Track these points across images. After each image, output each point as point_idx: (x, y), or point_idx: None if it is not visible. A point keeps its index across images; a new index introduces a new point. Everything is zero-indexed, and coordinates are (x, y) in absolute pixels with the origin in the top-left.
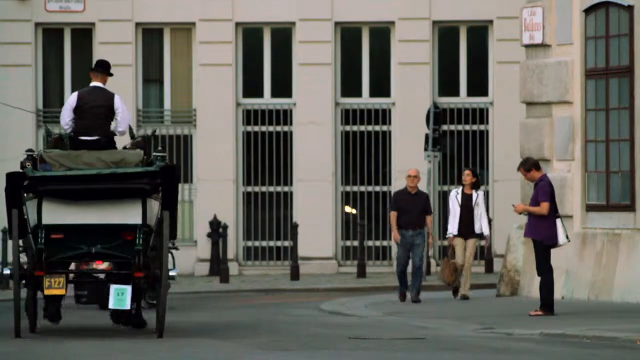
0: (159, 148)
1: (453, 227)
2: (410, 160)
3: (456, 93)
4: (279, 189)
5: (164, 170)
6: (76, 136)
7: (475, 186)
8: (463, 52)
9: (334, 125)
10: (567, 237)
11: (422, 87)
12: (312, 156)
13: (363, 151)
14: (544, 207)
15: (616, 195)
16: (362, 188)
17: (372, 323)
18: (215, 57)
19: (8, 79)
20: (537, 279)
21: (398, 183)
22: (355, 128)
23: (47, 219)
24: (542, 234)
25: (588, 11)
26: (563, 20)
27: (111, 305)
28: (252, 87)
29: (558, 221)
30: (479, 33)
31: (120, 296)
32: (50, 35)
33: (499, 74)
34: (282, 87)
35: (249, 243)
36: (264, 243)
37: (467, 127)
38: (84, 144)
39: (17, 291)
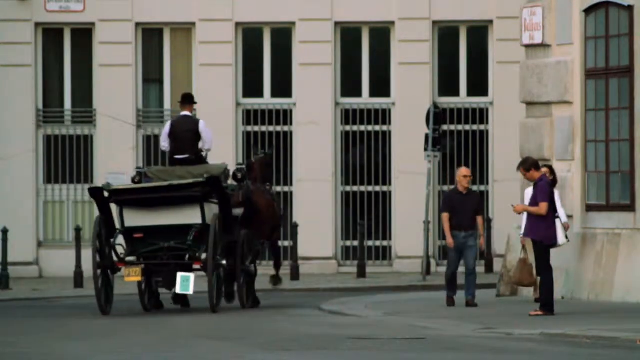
0: (239, 161)
1: (523, 227)
2: (410, 161)
3: (456, 93)
4: (279, 189)
5: (210, 180)
6: (172, 155)
7: (555, 184)
8: (463, 52)
9: (334, 125)
10: (566, 237)
11: (422, 87)
12: (312, 156)
13: (363, 151)
14: (542, 207)
15: (616, 195)
16: (362, 188)
17: (372, 323)
18: (215, 57)
19: (8, 79)
20: (537, 279)
21: (398, 183)
22: (355, 128)
23: (128, 223)
24: (542, 234)
25: (588, 11)
26: (563, 20)
27: (178, 289)
28: (252, 87)
29: (557, 221)
30: (479, 33)
31: (185, 282)
32: (50, 35)
33: (499, 74)
34: (282, 87)
35: None
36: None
37: (467, 127)
38: (178, 161)
39: (97, 279)
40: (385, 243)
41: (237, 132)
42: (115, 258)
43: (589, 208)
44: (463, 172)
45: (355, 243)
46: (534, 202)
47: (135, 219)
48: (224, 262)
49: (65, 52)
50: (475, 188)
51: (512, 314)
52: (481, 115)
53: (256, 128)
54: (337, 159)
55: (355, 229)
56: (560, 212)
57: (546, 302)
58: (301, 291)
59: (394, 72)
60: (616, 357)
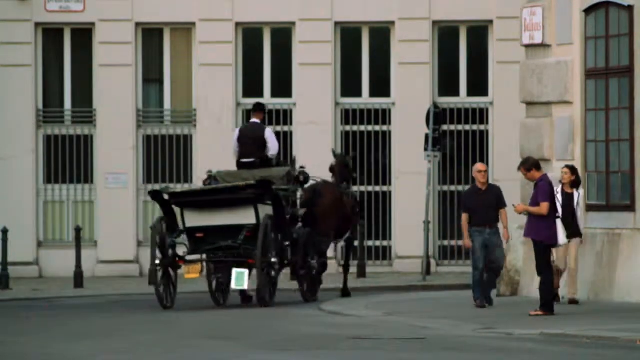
0: (302, 165)
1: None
2: (410, 161)
3: (456, 93)
4: None
5: (260, 183)
6: (239, 159)
7: (575, 184)
8: (463, 52)
9: (334, 125)
10: (567, 237)
11: (422, 87)
12: (312, 156)
13: (363, 151)
14: (543, 207)
15: (616, 195)
16: (362, 188)
17: (372, 323)
18: (215, 57)
19: (8, 79)
20: (537, 279)
21: (398, 183)
22: (355, 128)
23: (189, 223)
24: (542, 234)
25: (588, 11)
26: (563, 20)
27: (233, 285)
28: (252, 87)
29: (558, 221)
30: (479, 33)
31: (239, 278)
32: (50, 35)
33: (499, 74)
34: (282, 87)
35: None
36: None
37: (467, 127)
38: (245, 165)
39: (154, 273)
40: (385, 243)
41: None
42: (175, 256)
43: (589, 208)
44: (478, 167)
45: (355, 243)
46: (535, 202)
47: (196, 219)
48: (274, 259)
49: (65, 52)
50: None
51: (512, 314)
52: (481, 115)
53: None
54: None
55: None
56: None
57: (546, 302)
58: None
59: (394, 72)
60: (616, 357)
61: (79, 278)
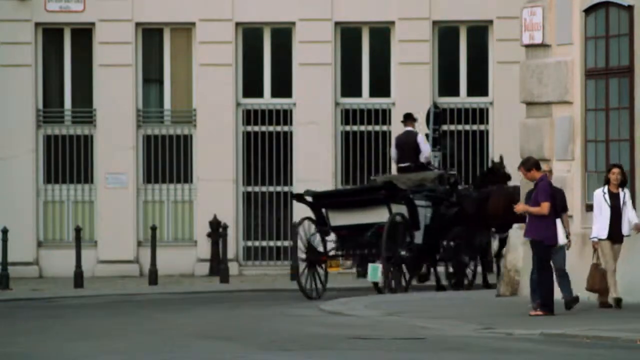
0: (452, 168)
1: (599, 230)
2: None
3: (456, 93)
4: (279, 189)
5: (385, 185)
6: (397, 164)
7: (622, 184)
8: (463, 52)
9: (334, 125)
10: (567, 237)
11: (422, 87)
12: (312, 156)
13: (363, 151)
14: (544, 207)
15: None
16: None
17: (372, 323)
18: (215, 57)
19: (8, 79)
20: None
21: None
22: (355, 128)
23: (333, 222)
24: (542, 234)
25: (588, 11)
26: (563, 20)
27: (368, 278)
28: (252, 87)
29: (558, 221)
30: (479, 33)
31: (374, 271)
32: (50, 35)
33: (499, 74)
34: (282, 87)
35: (249, 243)
36: (264, 243)
37: (467, 127)
38: (402, 169)
39: (297, 267)
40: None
41: (237, 132)
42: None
43: (589, 208)
44: (544, 167)
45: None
46: (535, 202)
47: (338, 218)
48: (403, 252)
49: (65, 52)
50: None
51: (512, 314)
52: (481, 115)
53: (256, 128)
54: (337, 159)
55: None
56: (631, 213)
57: (546, 302)
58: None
59: (394, 72)
60: (616, 357)
61: (79, 278)
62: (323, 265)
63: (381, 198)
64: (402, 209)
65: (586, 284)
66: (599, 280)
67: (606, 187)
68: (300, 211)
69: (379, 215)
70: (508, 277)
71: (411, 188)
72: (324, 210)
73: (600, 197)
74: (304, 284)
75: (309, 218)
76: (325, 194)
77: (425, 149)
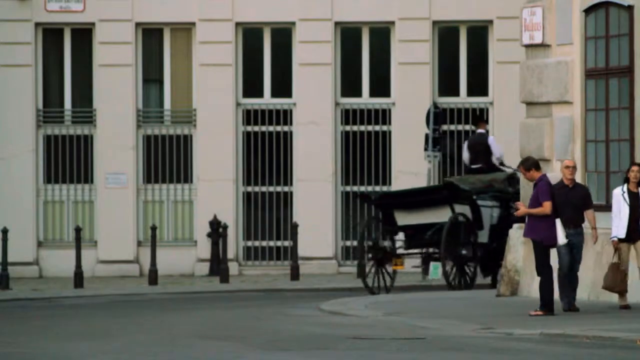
0: (515, 168)
1: (618, 229)
2: (410, 161)
3: (456, 93)
4: (279, 189)
5: (445, 185)
6: (470, 165)
7: None
8: (463, 52)
9: (334, 125)
10: (566, 237)
11: (422, 87)
12: (312, 156)
13: (363, 151)
14: (546, 207)
15: None
16: (362, 188)
17: (372, 323)
18: (215, 57)
19: (8, 79)
20: (537, 279)
21: (398, 183)
22: (355, 128)
23: (399, 222)
24: (542, 234)
25: (588, 11)
26: (563, 20)
27: (430, 275)
28: (252, 87)
29: (557, 221)
30: (479, 33)
31: (435, 269)
32: (50, 35)
33: (499, 74)
34: (282, 87)
35: (249, 243)
36: (264, 243)
37: (467, 127)
38: (473, 170)
39: (362, 265)
40: (385, 243)
41: (237, 132)
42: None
43: None
44: (566, 162)
45: (355, 243)
46: (535, 201)
47: (405, 218)
48: (464, 251)
49: (65, 52)
50: None
51: (512, 314)
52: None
53: (256, 128)
54: (337, 159)
55: (355, 229)
56: None
57: (546, 302)
58: (301, 291)
59: (394, 72)
60: (616, 357)
61: (78, 278)
62: (389, 264)
63: (444, 198)
64: (465, 209)
65: (603, 282)
66: (620, 281)
67: (625, 186)
68: (301, 210)
69: (442, 215)
70: (508, 277)
71: (479, 189)
72: (389, 210)
73: (619, 196)
74: (370, 284)
75: (375, 217)
76: (391, 194)
77: (497, 151)
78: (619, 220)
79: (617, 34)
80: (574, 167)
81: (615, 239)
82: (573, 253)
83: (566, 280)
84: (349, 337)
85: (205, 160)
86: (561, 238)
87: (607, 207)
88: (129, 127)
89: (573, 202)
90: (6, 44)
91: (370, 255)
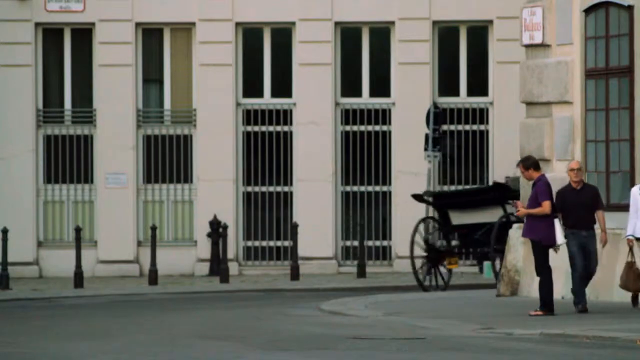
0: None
1: (633, 228)
2: (410, 161)
3: (456, 93)
4: (279, 189)
5: (495, 185)
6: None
7: None
8: (463, 52)
9: (334, 125)
10: (565, 237)
11: (422, 87)
12: (312, 156)
13: (363, 151)
14: (546, 206)
15: (616, 195)
16: (362, 188)
17: (372, 323)
18: (215, 57)
19: (8, 79)
20: (537, 279)
21: (398, 183)
22: (355, 128)
23: (454, 221)
24: (540, 234)
25: (588, 11)
26: (563, 20)
27: (484, 274)
28: (252, 87)
29: (556, 221)
30: (479, 33)
31: (488, 268)
32: (50, 35)
33: (499, 74)
34: (282, 87)
35: (249, 243)
36: (264, 243)
37: (467, 127)
38: None
39: (413, 264)
40: (385, 243)
41: (237, 132)
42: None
43: None
44: (571, 165)
45: (355, 243)
46: (534, 201)
47: (459, 218)
48: None
49: (65, 52)
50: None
51: (512, 314)
52: (481, 115)
53: (256, 128)
54: (337, 159)
55: (355, 229)
56: None
57: (546, 302)
58: (301, 291)
59: (394, 72)
60: (616, 357)
61: (78, 278)
62: (444, 263)
63: (495, 198)
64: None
65: (620, 280)
66: (633, 280)
67: (638, 187)
68: (301, 210)
69: (494, 215)
70: (508, 277)
71: None
72: (444, 210)
73: (637, 195)
74: (425, 282)
75: (431, 217)
76: (445, 194)
77: None
78: (633, 219)
79: (617, 34)
80: (579, 169)
81: (631, 237)
82: (592, 256)
83: (583, 284)
84: (349, 337)
85: (205, 160)
86: (560, 238)
87: (607, 208)
88: (129, 127)
89: (583, 203)
90: (6, 44)
91: (424, 254)
